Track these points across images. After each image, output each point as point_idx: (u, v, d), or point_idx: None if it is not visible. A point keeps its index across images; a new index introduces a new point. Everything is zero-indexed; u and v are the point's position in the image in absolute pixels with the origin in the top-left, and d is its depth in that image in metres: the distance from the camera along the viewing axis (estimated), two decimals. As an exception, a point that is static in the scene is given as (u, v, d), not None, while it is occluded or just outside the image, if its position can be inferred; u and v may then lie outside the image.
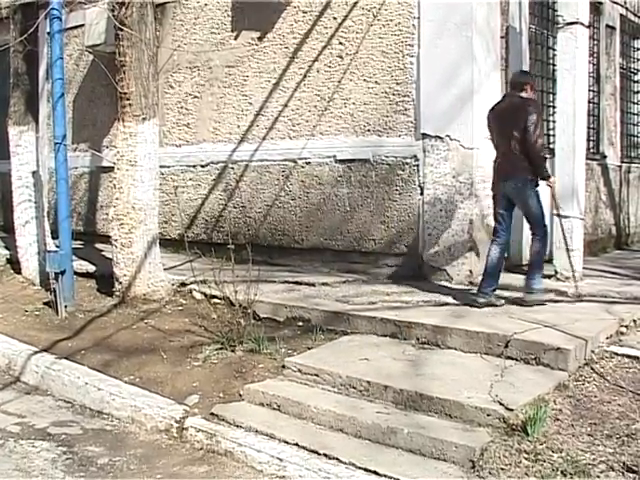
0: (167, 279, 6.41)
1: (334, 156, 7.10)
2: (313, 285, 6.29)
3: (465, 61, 6.25)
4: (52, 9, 6.32)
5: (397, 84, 6.68)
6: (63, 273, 6.19)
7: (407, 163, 6.63)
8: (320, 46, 7.19)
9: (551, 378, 4.08)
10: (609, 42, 9.15)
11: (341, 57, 7.05)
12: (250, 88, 7.75)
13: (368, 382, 4.11)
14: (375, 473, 3.34)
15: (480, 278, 5.49)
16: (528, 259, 5.67)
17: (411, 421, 3.71)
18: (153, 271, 6.26)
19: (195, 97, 8.27)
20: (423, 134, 6.50)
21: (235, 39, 7.85)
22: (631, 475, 3.18)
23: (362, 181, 6.92)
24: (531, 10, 7.30)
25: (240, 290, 5.30)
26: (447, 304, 5.49)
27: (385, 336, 4.95)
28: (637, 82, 10.21)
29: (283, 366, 4.60)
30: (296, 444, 3.67)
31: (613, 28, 9.22)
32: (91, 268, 7.19)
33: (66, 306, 6.15)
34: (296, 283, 6.35)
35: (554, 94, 6.88)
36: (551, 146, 7.06)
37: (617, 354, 4.47)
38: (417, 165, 6.56)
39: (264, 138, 7.62)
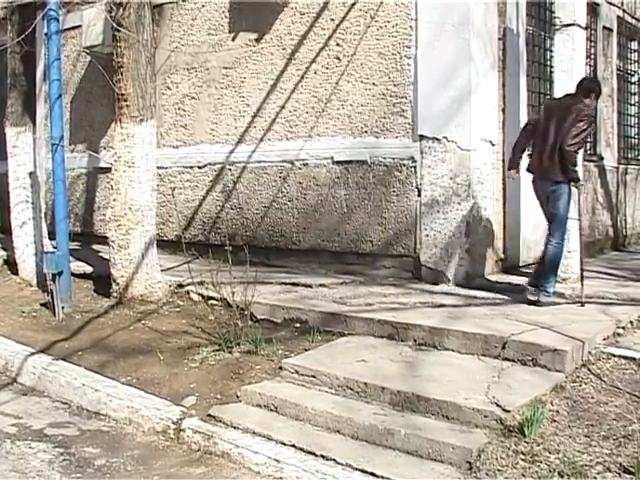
0: (164, 280, 6.40)
1: (331, 157, 7.10)
2: (310, 286, 6.28)
3: (462, 63, 6.26)
4: (49, 10, 6.30)
5: (394, 85, 6.68)
6: (60, 274, 6.18)
7: (404, 164, 6.63)
8: (317, 47, 7.19)
9: (548, 379, 4.09)
10: (606, 44, 9.18)
11: (338, 58, 7.06)
12: (247, 89, 7.75)
13: (365, 383, 4.11)
14: (372, 474, 3.34)
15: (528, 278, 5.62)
16: (537, 260, 5.72)
17: (408, 422, 3.71)
18: (150, 272, 6.26)
19: (192, 98, 8.26)
20: (420, 135, 6.51)
21: (232, 40, 7.85)
22: (628, 476, 3.18)
23: (359, 182, 6.92)
24: (528, 11, 7.31)
25: (237, 291, 5.30)
26: (444, 305, 5.49)
27: (382, 337, 4.95)
28: (634, 84, 10.24)
29: (280, 367, 4.60)
30: (293, 445, 3.67)
31: (610, 30, 9.25)
32: (88, 269, 7.18)
33: (63, 307, 6.14)
34: (293, 284, 6.34)
35: (551, 96, 6.88)
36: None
37: (614, 355, 4.47)
38: (414, 166, 6.57)
39: (261, 139, 7.62)
